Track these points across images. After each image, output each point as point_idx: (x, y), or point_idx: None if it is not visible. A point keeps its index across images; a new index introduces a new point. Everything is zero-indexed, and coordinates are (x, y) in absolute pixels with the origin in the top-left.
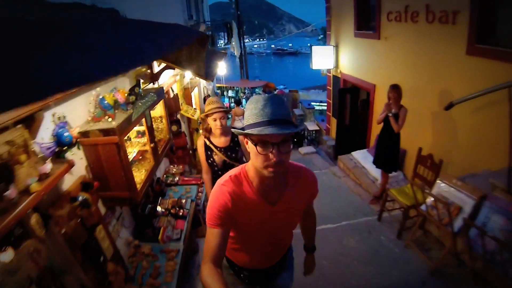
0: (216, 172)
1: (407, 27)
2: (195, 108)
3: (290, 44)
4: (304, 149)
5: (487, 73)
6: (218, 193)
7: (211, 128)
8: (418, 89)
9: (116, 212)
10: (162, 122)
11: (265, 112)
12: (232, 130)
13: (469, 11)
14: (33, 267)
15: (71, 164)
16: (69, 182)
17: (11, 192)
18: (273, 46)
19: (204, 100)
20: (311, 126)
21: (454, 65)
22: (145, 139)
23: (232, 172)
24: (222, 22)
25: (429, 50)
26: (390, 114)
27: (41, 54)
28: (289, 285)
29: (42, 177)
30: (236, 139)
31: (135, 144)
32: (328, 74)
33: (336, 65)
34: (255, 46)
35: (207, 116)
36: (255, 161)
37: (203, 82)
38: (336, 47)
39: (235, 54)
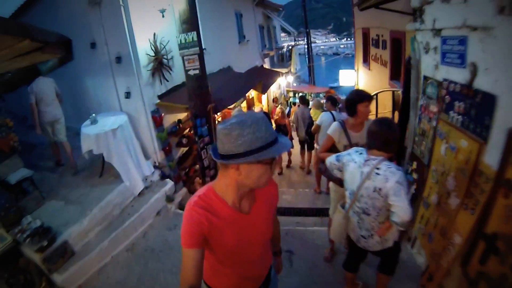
0: None
1: (376, 65)
2: (262, 105)
3: None
4: None
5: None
6: (191, 213)
7: None
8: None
9: None
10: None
11: (269, 133)
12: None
13: (389, 62)
14: None
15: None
16: None
17: None
18: None
19: (273, 100)
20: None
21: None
22: None
23: (200, 192)
24: (286, 50)
25: (380, 78)
26: None
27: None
28: None
29: None
30: None
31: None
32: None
33: (357, 83)
34: (342, 46)
35: None
36: (260, 179)
37: (271, 89)
38: (357, 71)
39: (292, 70)
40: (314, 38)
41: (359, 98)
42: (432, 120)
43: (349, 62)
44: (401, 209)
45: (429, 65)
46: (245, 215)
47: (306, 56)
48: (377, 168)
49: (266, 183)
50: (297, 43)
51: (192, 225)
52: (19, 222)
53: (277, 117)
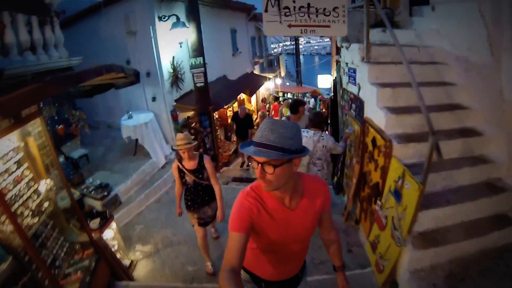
0: (189, 189)
1: None
2: (252, 106)
3: None
4: None
5: None
6: (242, 201)
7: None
8: None
9: None
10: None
11: (258, 135)
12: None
13: None
14: None
15: None
16: None
17: None
18: None
19: (262, 100)
20: None
21: None
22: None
23: (253, 183)
24: (274, 57)
25: None
26: None
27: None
28: None
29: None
30: (202, 163)
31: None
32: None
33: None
34: None
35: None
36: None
37: (260, 90)
38: (333, 75)
39: (282, 75)
40: (308, 38)
41: (300, 103)
42: (346, 114)
43: None
44: (338, 151)
45: (344, 81)
46: (290, 210)
47: (294, 60)
48: (322, 136)
49: (260, 182)
50: (286, 48)
51: (242, 210)
52: (83, 182)
53: (259, 119)
